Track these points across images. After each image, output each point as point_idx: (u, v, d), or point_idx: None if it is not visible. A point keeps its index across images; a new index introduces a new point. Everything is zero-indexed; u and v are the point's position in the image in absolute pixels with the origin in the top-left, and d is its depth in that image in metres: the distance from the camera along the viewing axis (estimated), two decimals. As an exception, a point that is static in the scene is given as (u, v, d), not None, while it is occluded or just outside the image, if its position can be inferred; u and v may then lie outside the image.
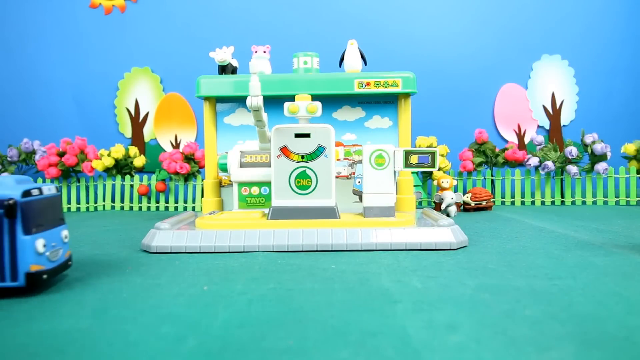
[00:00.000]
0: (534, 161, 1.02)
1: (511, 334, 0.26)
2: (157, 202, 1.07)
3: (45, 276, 0.36)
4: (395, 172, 0.57)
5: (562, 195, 1.05)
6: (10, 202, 0.34)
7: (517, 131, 1.29)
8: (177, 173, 1.02)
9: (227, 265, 0.45)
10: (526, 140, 1.28)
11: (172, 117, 1.27)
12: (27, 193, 0.35)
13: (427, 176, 1.05)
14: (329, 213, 0.55)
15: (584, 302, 0.31)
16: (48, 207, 0.38)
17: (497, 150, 1.07)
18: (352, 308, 0.31)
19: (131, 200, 1.08)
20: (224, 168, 0.68)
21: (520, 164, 1.05)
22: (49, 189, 0.38)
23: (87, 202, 1.09)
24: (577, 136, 1.08)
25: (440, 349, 0.24)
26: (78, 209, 1.08)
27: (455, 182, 0.90)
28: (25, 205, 0.35)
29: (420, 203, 0.99)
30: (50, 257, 0.37)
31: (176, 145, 1.26)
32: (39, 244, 0.35)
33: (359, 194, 0.70)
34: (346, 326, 0.28)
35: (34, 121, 1.25)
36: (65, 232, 0.40)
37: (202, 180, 0.99)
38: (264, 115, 0.54)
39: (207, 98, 0.74)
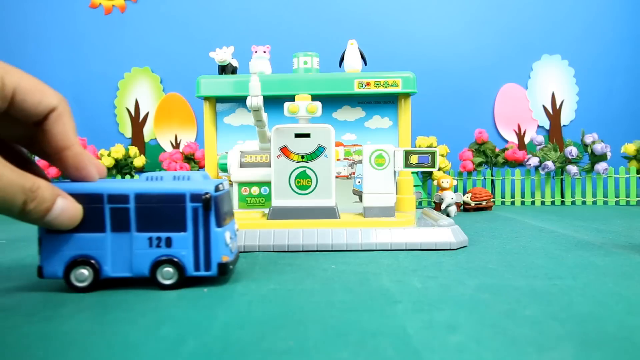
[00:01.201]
0: (534, 161, 1.02)
1: (511, 334, 0.26)
2: (157, 202, 1.07)
3: (231, 266, 0.38)
4: (395, 172, 0.57)
5: (562, 195, 1.05)
6: (207, 196, 0.36)
7: (517, 131, 1.29)
8: (177, 173, 1.02)
9: (227, 265, 0.45)
10: (526, 140, 1.28)
11: (172, 117, 1.27)
12: (217, 187, 0.37)
13: (427, 176, 1.05)
14: (329, 213, 0.55)
15: (584, 302, 0.31)
16: (227, 201, 0.40)
17: (497, 150, 1.07)
18: (352, 308, 0.31)
19: (131, 201, 1.08)
20: (224, 168, 0.68)
21: (520, 164, 1.05)
22: (226, 184, 0.40)
23: (87, 202, 1.08)
24: (577, 136, 1.08)
25: (441, 349, 0.24)
26: (78, 209, 1.08)
27: (455, 182, 0.90)
28: (217, 199, 0.37)
29: (420, 203, 0.99)
30: (232, 249, 0.39)
31: (176, 145, 1.26)
32: (227, 235, 0.37)
33: (359, 194, 0.70)
34: (346, 326, 0.28)
35: (34, 121, 1.25)
36: (236, 225, 0.42)
37: (202, 180, 0.99)
38: (264, 115, 0.54)
39: (207, 98, 0.74)
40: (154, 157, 1.20)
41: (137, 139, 1.27)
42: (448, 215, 0.83)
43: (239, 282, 0.38)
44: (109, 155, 1.06)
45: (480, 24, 1.30)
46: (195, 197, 0.36)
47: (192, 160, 1.05)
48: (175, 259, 0.36)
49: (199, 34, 1.28)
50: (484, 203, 0.93)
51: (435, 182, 0.97)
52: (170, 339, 0.26)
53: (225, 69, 0.77)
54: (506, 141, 1.27)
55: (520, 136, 1.29)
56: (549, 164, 1.01)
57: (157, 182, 0.37)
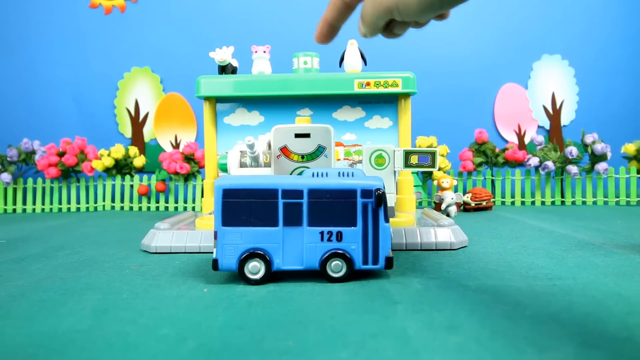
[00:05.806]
0: (534, 161, 1.02)
1: (511, 334, 0.26)
2: (157, 202, 1.07)
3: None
4: (395, 172, 0.57)
5: (562, 196, 1.04)
6: (380, 191, 0.37)
7: (517, 131, 1.29)
8: (177, 173, 1.02)
9: (227, 265, 0.45)
10: (526, 140, 1.28)
11: (172, 117, 1.27)
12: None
13: (427, 176, 1.05)
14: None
15: (584, 303, 0.31)
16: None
17: (497, 150, 1.07)
18: (352, 309, 0.31)
19: (131, 200, 1.08)
20: (224, 168, 0.68)
21: (520, 164, 1.05)
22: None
23: (87, 202, 1.09)
24: (577, 136, 1.08)
25: (441, 350, 0.24)
26: (78, 209, 1.08)
27: (455, 182, 0.90)
28: (385, 195, 0.38)
29: (420, 203, 0.99)
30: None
31: (176, 145, 1.26)
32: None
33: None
34: (346, 327, 0.28)
35: (34, 121, 1.25)
36: None
37: (202, 180, 0.99)
38: (261, 157, 0.55)
39: (207, 98, 0.74)
40: (154, 157, 1.20)
41: (137, 139, 1.27)
42: (448, 215, 0.83)
43: (239, 283, 0.38)
44: (108, 155, 1.06)
45: (480, 24, 1.30)
46: (366, 193, 0.37)
47: (192, 161, 1.05)
48: (346, 253, 0.37)
49: (199, 34, 1.28)
50: (484, 203, 0.93)
51: (435, 182, 0.97)
52: (170, 339, 0.26)
53: (225, 69, 0.77)
54: (506, 141, 1.27)
55: (521, 136, 1.29)
56: (549, 164, 1.01)
57: (327, 178, 0.38)
